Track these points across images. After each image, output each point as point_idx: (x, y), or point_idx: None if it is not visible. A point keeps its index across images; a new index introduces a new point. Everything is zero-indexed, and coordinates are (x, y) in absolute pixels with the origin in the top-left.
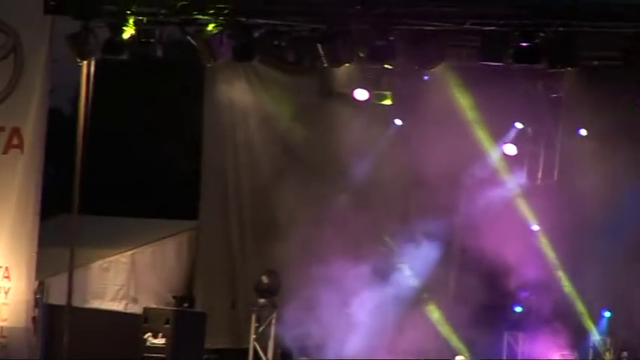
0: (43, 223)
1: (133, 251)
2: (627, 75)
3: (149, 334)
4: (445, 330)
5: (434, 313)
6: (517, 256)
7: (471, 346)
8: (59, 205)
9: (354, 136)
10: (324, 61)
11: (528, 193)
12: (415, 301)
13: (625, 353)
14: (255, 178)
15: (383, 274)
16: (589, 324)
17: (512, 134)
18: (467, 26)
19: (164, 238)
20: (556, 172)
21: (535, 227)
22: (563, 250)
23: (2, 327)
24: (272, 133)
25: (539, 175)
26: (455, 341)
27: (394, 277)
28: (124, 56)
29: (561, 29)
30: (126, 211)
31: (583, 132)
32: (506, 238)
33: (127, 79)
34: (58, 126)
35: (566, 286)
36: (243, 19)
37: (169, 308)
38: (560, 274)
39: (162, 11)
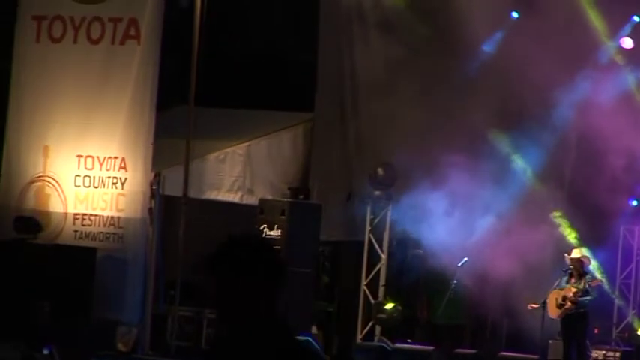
0: (160, 115)
1: (249, 143)
2: None
3: (265, 225)
4: (561, 222)
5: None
6: (634, 149)
7: (586, 239)
8: (176, 96)
9: (472, 29)
10: None
11: None
12: (530, 194)
13: None
14: (372, 69)
15: (497, 164)
16: None
17: (629, 27)
18: None
19: (280, 130)
20: None
21: None
22: None
23: (119, 218)
24: (389, 23)
25: None
26: (570, 234)
27: (508, 168)
28: None
29: None
30: (242, 103)
31: None
32: (622, 130)
33: None
34: (174, 17)
35: None
36: None
37: (285, 200)
38: None
39: None
